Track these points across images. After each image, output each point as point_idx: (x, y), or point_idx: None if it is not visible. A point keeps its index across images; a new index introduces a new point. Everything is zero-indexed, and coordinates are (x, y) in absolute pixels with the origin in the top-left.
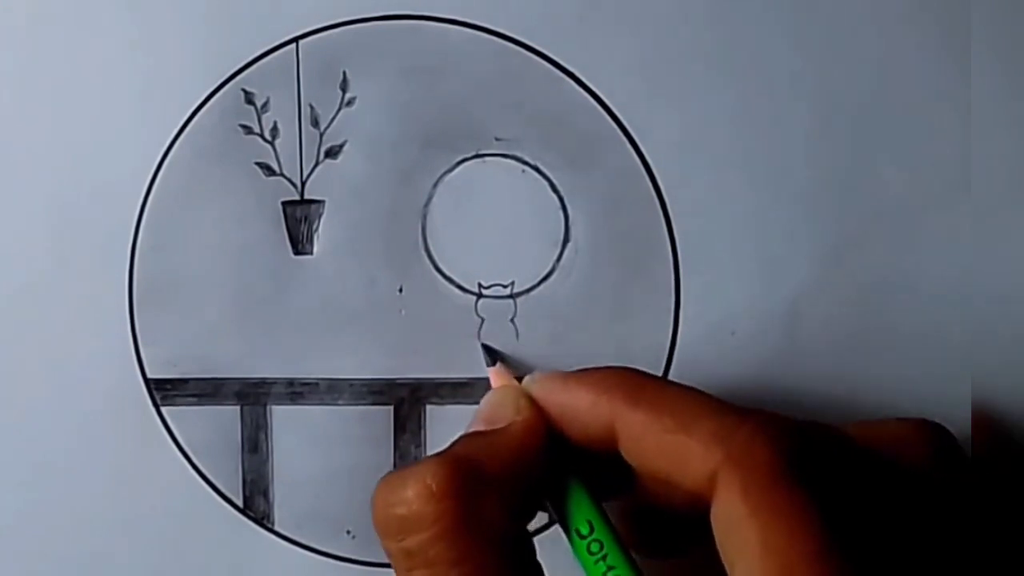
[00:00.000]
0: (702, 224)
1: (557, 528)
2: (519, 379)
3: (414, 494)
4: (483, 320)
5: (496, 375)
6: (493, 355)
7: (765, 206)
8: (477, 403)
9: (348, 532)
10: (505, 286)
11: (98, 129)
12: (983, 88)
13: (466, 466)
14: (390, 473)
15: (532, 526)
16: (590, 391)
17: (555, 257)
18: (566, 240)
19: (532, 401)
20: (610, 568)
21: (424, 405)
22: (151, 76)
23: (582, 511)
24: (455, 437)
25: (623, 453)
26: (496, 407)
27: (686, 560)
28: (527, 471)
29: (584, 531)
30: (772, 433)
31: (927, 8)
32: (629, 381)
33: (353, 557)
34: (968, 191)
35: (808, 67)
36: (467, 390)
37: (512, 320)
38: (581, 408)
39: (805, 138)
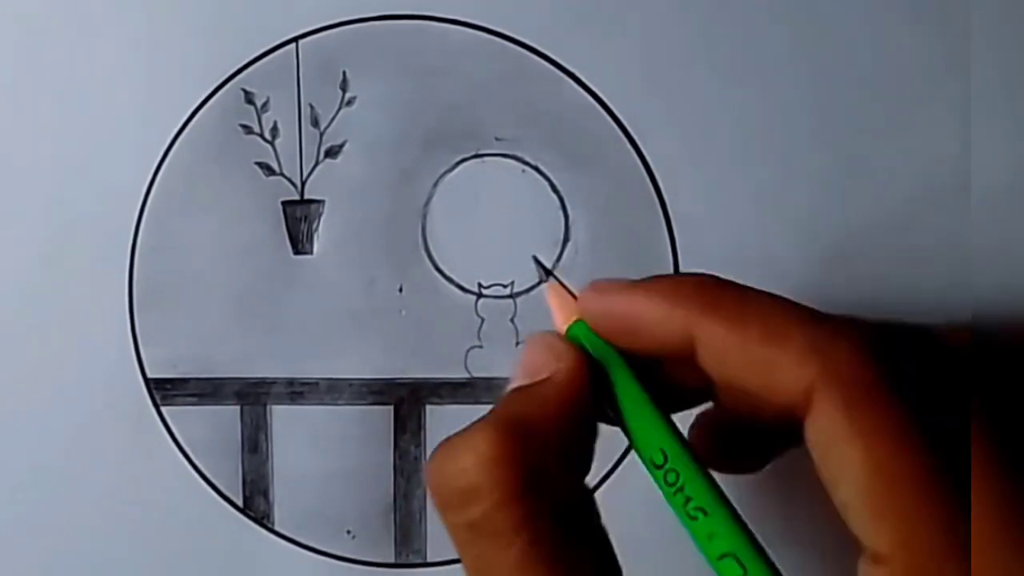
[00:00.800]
0: (702, 224)
1: (618, 478)
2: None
3: (471, 462)
4: (483, 320)
5: (552, 291)
6: (546, 270)
7: (765, 206)
8: (478, 403)
9: (348, 532)
10: (505, 286)
11: (98, 129)
12: (983, 88)
13: (518, 426)
14: (442, 444)
15: (592, 480)
16: (662, 301)
17: (555, 257)
18: (566, 240)
19: (572, 347)
20: (688, 499)
21: (424, 405)
22: (151, 76)
23: (654, 438)
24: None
25: (702, 364)
26: (535, 356)
27: (767, 474)
28: (577, 419)
29: (659, 460)
30: (872, 347)
31: (927, 8)
32: (707, 288)
33: (353, 557)
34: (968, 191)
35: (808, 67)
36: (467, 390)
37: (512, 320)
38: (652, 320)
39: (805, 138)
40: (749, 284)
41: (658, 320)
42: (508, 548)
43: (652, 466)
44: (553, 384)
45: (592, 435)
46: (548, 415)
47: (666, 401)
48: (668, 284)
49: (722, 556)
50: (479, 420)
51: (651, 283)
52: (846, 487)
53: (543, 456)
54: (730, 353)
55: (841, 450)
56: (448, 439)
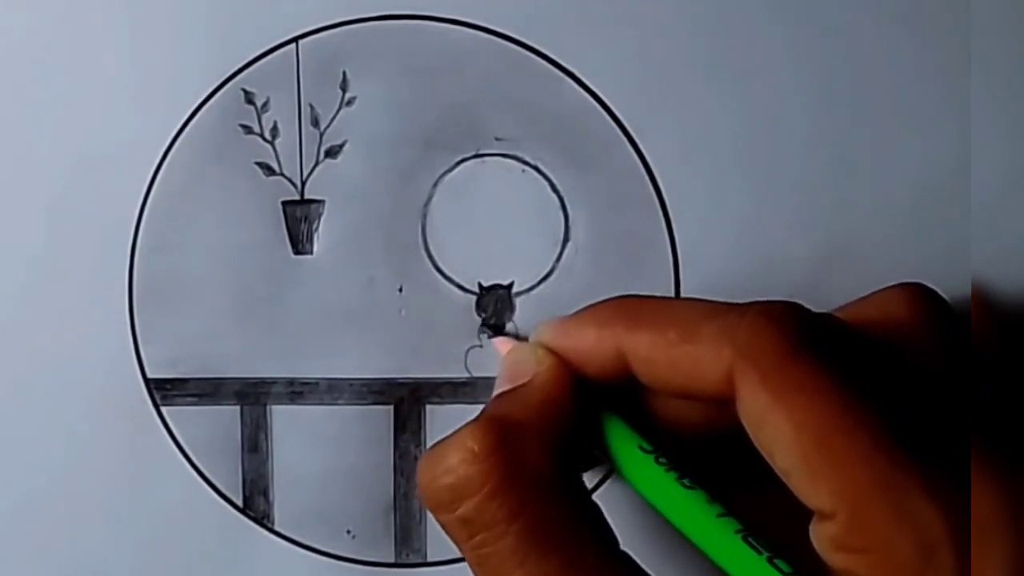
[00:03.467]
0: (702, 224)
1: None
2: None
3: (458, 460)
4: (483, 319)
5: (502, 344)
6: (496, 329)
7: (765, 206)
8: (477, 403)
9: (348, 532)
10: (505, 286)
11: (98, 129)
12: (983, 88)
13: (502, 422)
14: (430, 448)
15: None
16: (591, 326)
17: (555, 257)
18: (566, 240)
19: (549, 351)
20: (682, 476)
21: (424, 405)
22: (151, 76)
23: (634, 437)
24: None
25: (640, 379)
26: (516, 364)
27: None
28: (561, 416)
29: (647, 447)
30: (774, 317)
31: (927, 8)
32: (626, 307)
33: (353, 557)
34: (968, 191)
35: (808, 67)
36: (467, 390)
37: (512, 320)
38: (587, 347)
39: (805, 138)
40: (749, 284)
41: (592, 348)
42: (505, 536)
43: (640, 452)
44: (535, 385)
45: (580, 435)
46: (531, 412)
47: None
48: (594, 312)
49: (721, 514)
50: (465, 423)
51: (581, 314)
52: (780, 455)
53: (529, 450)
54: (656, 360)
55: (768, 421)
56: (434, 444)
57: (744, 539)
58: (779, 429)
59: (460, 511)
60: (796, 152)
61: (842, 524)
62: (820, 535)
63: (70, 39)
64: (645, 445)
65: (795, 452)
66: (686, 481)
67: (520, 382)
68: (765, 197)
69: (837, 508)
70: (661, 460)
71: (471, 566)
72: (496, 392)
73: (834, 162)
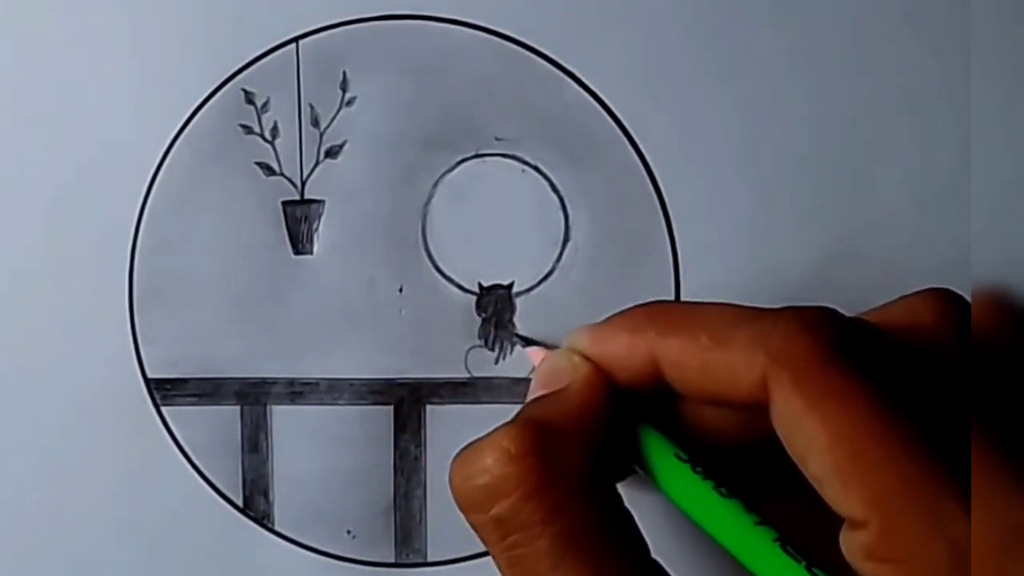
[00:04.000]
0: (702, 224)
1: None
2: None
3: (493, 460)
4: (483, 320)
5: (536, 353)
6: (527, 340)
7: (765, 206)
8: (478, 403)
9: (348, 532)
10: (505, 286)
11: (98, 129)
12: (983, 88)
13: (539, 425)
14: (462, 449)
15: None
16: (623, 332)
17: (555, 257)
18: (566, 240)
19: (584, 358)
20: (718, 484)
21: (424, 405)
22: (151, 76)
23: (669, 446)
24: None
25: (672, 385)
26: (552, 371)
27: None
28: (598, 422)
29: (684, 456)
30: (808, 323)
31: (927, 8)
32: (658, 312)
33: (353, 557)
34: (968, 191)
35: (808, 67)
36: (467, 390)
37: (512, 320)
38: (620, 353)
39: (805, 138)
40: (749, 284)
41: (624, 354)
42: (539, 538)
43: (677, 460)
44: (572, 391)
45: (616, 443)
46: (568, 416)
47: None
48: (624, 318)
49: (759, 522)
50: (499, 426)
51: (610, 322)
52: (813, 462)
53: (566, 453)
54: (688, 366)
55: (802, 427)
56: (468, 444)
57: (783, 548)
58: (813, 435)
59: (494, 511)
60: (796, 152)
61: (874, 533)
62: (851, 544)
63: (70, 40)
64: (681, 454)
65: (828, 459)
66: (723, 490)
67: (555, 388)
68: (765, 197)
69: (869, 516)
70: (698, 469)
71: (501, 568)
72: (530, 396)
73: (834, 162)
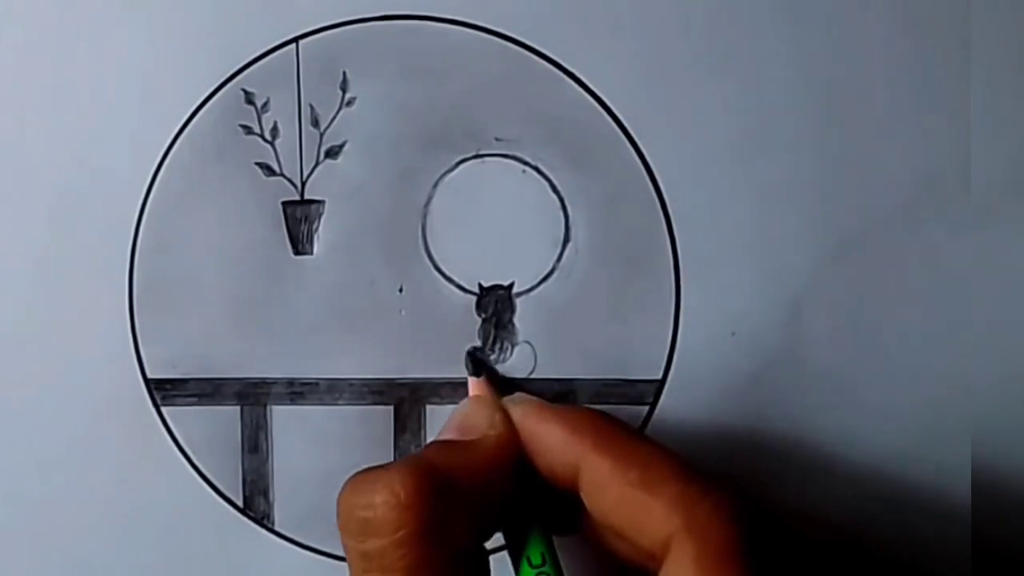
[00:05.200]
0: (702, 224)
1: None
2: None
3: (381, 500)
4: (483, 320)
5: (477, 387)
6: (478, 366)
7: (765, 206)
8: None
9: None
10: (505, 286)
11: (98, 129)
12: (983, 88)
13: (436, 477)
14: (359, 472)
15: (488, 545)
16: (562, 428)
17: (555, 257)
18: (566, 240)
19: (507, 417)
20: None
21: (424, 405)
22: (151, 76)
23: (537, 541)
24: (426, 442)
25: (583, 497)
26: (471, 417)
27: None
28: (495, 487)
29: (536, 561)
30: (732, 513)
31: (927, 8)
32: (601, 426)
33: None
34: (968, 191)
35: (808, 67)
36: (467, 390)
37: (512, 320)
38: (551, 442)
39: (805, 138)
40: (749, 284)
41: (555, 444)
42: None
43: (528, 564)
44: (482, 447)
45: (504, 507)
46: (469, 473)
47: (551, 520)
48: (570, 416)
49: None
50: (399, 460)
51: (558, 410)
52: None
53: (453, 510)
54: (609, 490)
55: None
56: (367, 470)
57: None
58: None
59: (364, 546)
60: (796, 152)
61: None
62: None
63: (70, 40)
64: (535, 559)
65: None
66: None
67: (469, 436)
68: (765, 197)
69: None
70: None
71: None
72: (442, 434)
73: (834, 162)
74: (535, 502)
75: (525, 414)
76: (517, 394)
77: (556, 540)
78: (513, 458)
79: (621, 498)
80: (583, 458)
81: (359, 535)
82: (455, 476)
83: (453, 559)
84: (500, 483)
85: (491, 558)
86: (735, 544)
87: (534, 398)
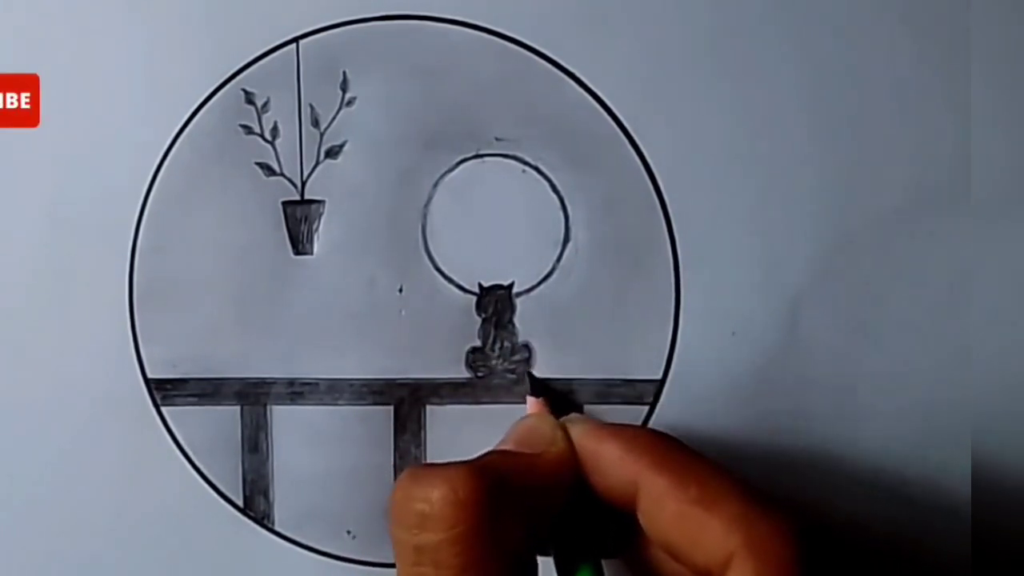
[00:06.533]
0: (702, 224)
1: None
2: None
3: (439, 495)
4: (483, 320)
5: (536, 406)
6: (537, 386)
7: (765, 206)
8: (478, 403)
9: (348, 532)
10: (505, 286)
11: (98, 129)
12: (983, 88)
13: (495, 480)
14: (418, 467)
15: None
16: (620, 446)
17: (555, 257)
18: (566, 240)
19: (567, 436)
20: None
21: (424, 405)
22: (151, 76)
23: (588, 568)
24: (486, 449)
25: (640, 514)
26: (533, 432)
27: None
28: (552, 501)
29: None
30: (792, 532)
31: (927, 9)
32: (659, 445)
33: (353, 557)
34: (968, 191)
35: (808, 67)
36: (467, 390)
37: (512, 320)
38: (609, 460)
39: (805, 138)
40: (749, 284)
41: (612, 462)
42: None
43: None
44: (542, 460)
45: (557, 523)
46: (529, 483)
47: (602, 541)
48: (628, 434)
49: None
50: (462, 461)
51: (614, 429)
52: None
53: (509, 515)
54: (667, 507)
55: None
56: (426, 465)
57: None
58: None
59: (418, 540)
60: (796, 152)
61: None
62: None
63: (70, 40)
64: None
65: None
66: None
67: (530, 451)
68: (765, 197)
69: None
70: None
71: None
72: (502, 445)
73: (834, 162)
74: (588, 524)
75: (584, 433)
76: (574, 414)
77: (604, 563)
78: (571, 476)
79: (679, 515)
80: (641, 475)
81: (413, 528)
82: (514, 482)
83: (506, 562)
84: (556, 498)
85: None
86: (795, 563)
87: (592, 419)
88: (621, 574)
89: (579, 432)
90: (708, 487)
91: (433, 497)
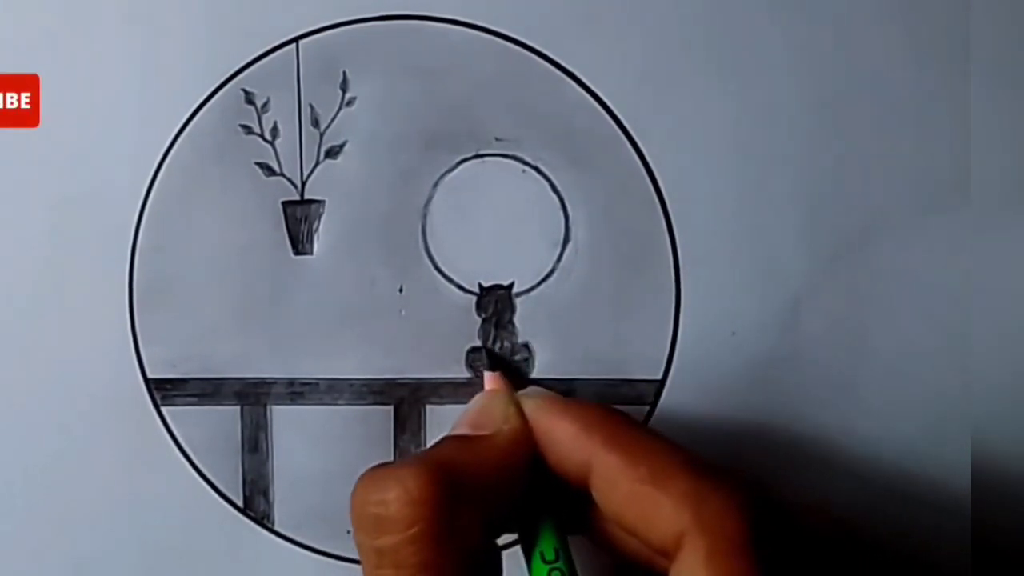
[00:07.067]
0: (702, 224)
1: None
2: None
3: (393, 496)
4: (483, 320)
5: (493, 381)
6: (495, 361)
7: (765, 206)
8: None
9: (348, 532)
10: (505, 286)
11: (98, 129)
12: (983, 88)
13: (448, 474)
14: (372, 468)
15: (501, 541)
16: (573, 423)
17: (555, 257)
18: (566, 240)
19: (521, 411)
20: None
21: (424, 405)
22: (151, 76)
23: (550, 536)
24: (439, 436)
25: (594, 493)
26: (485, 412)
27: None
28: (508, 483)
29: (549, 557)
30: (743, 507)
31: (926, 9)
32: (610, 422)
33: (353, 557)
34: (968, 192)
35: (808, 67)
36: (467, 390)
37: (512, 320)
38: (563, 438)
39: (805, 138)
40: (749, 284)
41: (566, 440)
42: None
43: (541, 560)
44: (495, 442)
45: (518, 503)
46: (482, 469)
47: (563, 518)
48: (581, 411)
49: None
50: (414, 455)
51: (568, 405)
52: None
53: (466, 507)
54: (618, 487)
55: None
56: (380, 466)
57: None
58: None
59: (378, 542)
60: (796, 152)
61: None
62: None
63: (70, 40)
64: (548, 554)
65: None
66: None
67: (483, 431)
68: (765, 197)
69: None
70: (554, 574)
71: None
72: (456, 429)
73: (834, 162)
74: (549, 497)
75: (537, 408)
76: (531, 388)
77: (569, 539)
78: (527, 453)
79: (631, 494)
80: (594, 455)
81: (372, 531)
82: (468, 472)
83: (466, 555)
84: (513, 478)
85: (504, 554)
86: (746, 538)
87: (548, 392)
88: (585, 551)
89: (532, 407)
90: (657, 464)
91: (388, 499)
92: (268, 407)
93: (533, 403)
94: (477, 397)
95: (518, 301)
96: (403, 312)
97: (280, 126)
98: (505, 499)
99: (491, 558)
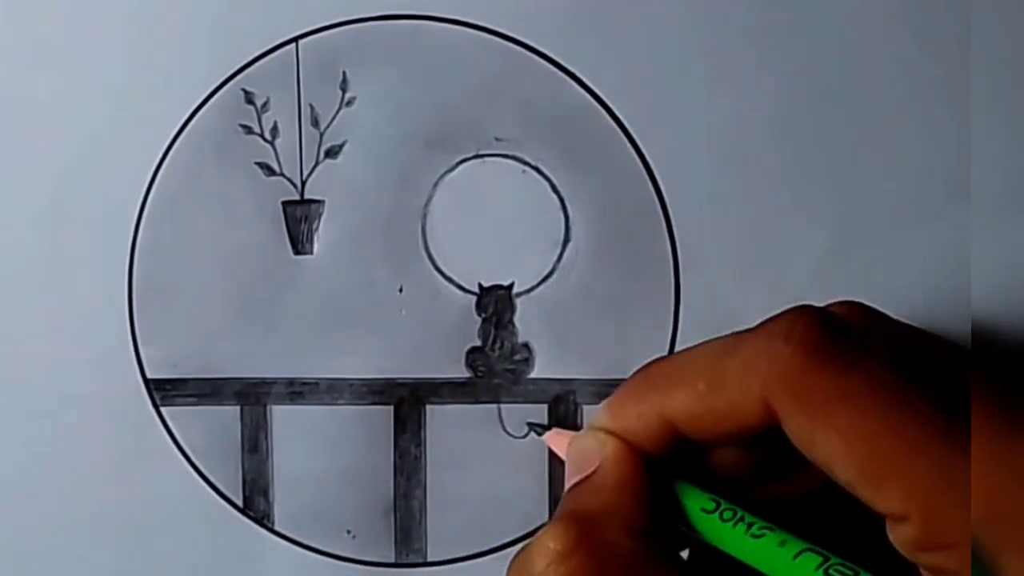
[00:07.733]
0: (702, 224)
1: None
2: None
3: (544, 564)
4: (483, 320)
5: (557, 440)
6: (542, 425)
7: (765, 206)
8: (477, 403)
9: (348, 532)
10: (505, 286)
11: (98, 129)
12: (983, 88)
13: (580, 516)
14: (517, 554)
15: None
16: (631, 402)
17: (555, 257)
18: (566, 240)
19: (609, 432)
20: (751, 524)
21: (424, 405)
22: (151, 76)
23: (700, 496)
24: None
25: (691, 437)
26: (580, 454)
27: None
28: (637, 497)
29: (710, 507)
30: (790, 336)
31: (926, 8)
32: (653, 372)
33: (353, 557)
34: (968, 192)
35: (808, 68)
36: (467, 390)
37: (512, 320)
38: (636, 423)
39: (805, 139)
40: (749, 284)
41: (639, 422)
42: None
43: (704, 513)
44: (604, 472)
45: (659, 504)
46: (606, 499)
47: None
48: (628, 388)
49: (798, 553)
50: (545, 524)
51: (619, 392)
52: (838, 470)
53: (613, 536)
54: (697, 416)
55: (815, 441)
56: (524, 546)
57: (826, 573)
58: (829, 445)
59: None
60: (796, 153)
61: (918, 525)
62: (900, 538)
63: (70, 39)
64: (707, 506)
65: (850, 465)
66: (755, 530)
67: (589, 470)
68: (765, 197)
69: (909, 510)
70: (726, 515)
71: None
72: (567, 487)
73: (834, 162)
74: (681, 475)
75: (607, 419)
76: (593, 415)
77: None
78: (636, 464)
79: (710, 414)
80: (664, 411)
81: None
82: (597, 511)
83: (630, 566)
84: (640, 492)
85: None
86: (814, 359)
87: (603, 403)
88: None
89: (605, 420)
90: (710, 372)
91: (540, 568)
92: (268, 407)
93: (599, 419)
94: (567, 450)
95: (518, 301)
96: (403, 312)
97: (280, 126)
98: (641, 507)
99: (668, 545)
